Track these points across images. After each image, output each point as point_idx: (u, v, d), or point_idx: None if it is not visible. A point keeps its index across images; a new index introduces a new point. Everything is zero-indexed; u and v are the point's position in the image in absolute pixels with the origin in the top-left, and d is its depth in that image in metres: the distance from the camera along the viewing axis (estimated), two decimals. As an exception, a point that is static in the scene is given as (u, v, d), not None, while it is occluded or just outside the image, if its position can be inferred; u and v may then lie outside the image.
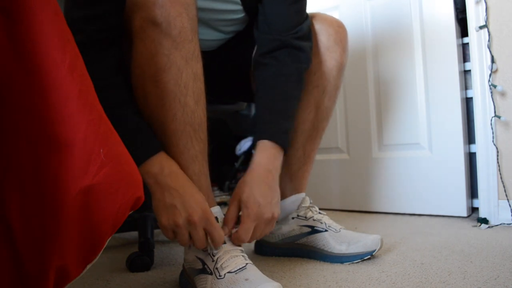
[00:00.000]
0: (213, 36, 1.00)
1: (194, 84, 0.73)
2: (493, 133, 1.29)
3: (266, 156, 0.85)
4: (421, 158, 1.50)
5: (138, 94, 0.75)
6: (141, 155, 0.70)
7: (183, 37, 0.70)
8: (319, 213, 1.01)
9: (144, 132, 0.73)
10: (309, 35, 0.97)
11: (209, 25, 0.96)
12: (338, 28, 1.00)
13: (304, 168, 1.04)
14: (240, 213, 0.80)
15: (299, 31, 0.94)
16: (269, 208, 0.80)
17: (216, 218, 0.76)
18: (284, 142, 0.87)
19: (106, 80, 0.71)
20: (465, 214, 1.40)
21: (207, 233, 0.72)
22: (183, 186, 0.71)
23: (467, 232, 1.19)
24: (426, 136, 1.48)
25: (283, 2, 0.92)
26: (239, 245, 0.77)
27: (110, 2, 0.74)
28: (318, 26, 0.99)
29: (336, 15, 1.65)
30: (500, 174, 1.28)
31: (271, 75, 0.93)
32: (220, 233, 0.72)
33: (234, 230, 0.79)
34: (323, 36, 0.99)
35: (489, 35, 1.29)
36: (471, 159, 1.44)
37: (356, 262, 0.93)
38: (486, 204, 1.32)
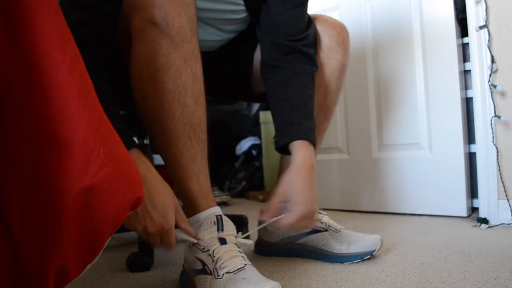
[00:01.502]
0: (214, 36, 1.00)
1: (193, 84, 0.73)
2: (493, 133, 1.29)
3: (308, 155, 0.88)
4: (421, 158, 1.50)
5: (137, 94, 0.74)
6: None
7: (181, 37, 0.70)
8: (319, 213, 1.01)
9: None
10: (315, 42, 0.98)
11: (211, 24, 0.96)
12: (340, 30, 1.01)
13: (305, 168, 1.04)
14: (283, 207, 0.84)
15: (307, 38, 0.95)
16: (313, 206, 0.86)
17: (219, 217, 0.76)
18: (315, 140, 0.91)
19: None
20: (465, 214, 1.40)
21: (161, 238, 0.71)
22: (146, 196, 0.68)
23: (467, 232, 1.19)
24: (426, 136, 1.48)
25: (288, 5, 0.93)
26: (238, 247, 0.76)
27: (103, 5, 0.74)
28: (320, 28, 1.00)
29: (336, 15, 1.65)
30: (500, 174, 1.28)
31: (287, 77, 0.94)
32: (172, 241, 0.71)
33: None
34: (325, 38, 1.00)
35: (489, 35, 1.29)
36: (471, 159, 1.44)
37: (356, 262, 0.93)
38: (486, 204, 1.32)
